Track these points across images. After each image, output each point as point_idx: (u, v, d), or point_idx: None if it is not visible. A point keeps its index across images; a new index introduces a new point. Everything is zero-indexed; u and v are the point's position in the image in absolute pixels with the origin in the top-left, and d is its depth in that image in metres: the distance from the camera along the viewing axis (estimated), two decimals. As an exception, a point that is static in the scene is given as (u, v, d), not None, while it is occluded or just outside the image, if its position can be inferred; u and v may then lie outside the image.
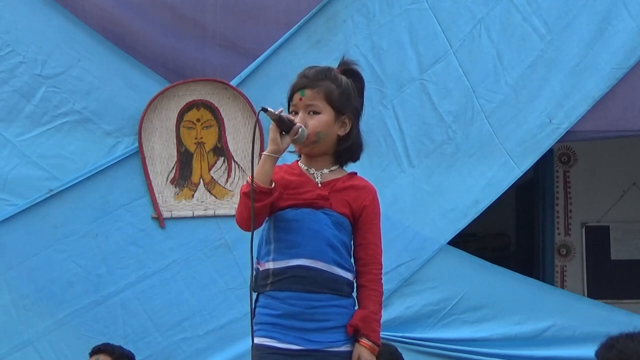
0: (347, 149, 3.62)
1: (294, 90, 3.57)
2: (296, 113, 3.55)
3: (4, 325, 5.39)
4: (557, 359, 5.52)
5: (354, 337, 3.54)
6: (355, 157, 3.67)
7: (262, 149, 5.45)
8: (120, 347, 5.19)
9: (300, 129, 3.47)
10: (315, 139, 3.54)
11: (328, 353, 3.49)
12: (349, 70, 3.66)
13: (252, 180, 3.42)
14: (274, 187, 3.44)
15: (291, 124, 3.45)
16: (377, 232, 3.61)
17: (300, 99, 3.54)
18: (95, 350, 5.14)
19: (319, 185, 3.57)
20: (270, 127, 3.44)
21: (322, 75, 3.57)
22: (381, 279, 3.60)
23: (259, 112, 3.44)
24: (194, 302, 5.48)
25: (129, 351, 5.22)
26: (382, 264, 3.60)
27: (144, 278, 5.46)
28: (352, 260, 3.59)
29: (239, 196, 3.57)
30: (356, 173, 3.65)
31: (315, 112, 3.54)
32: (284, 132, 3.45)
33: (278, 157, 3.47)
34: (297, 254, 3.50)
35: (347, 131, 3.61)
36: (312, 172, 3.59)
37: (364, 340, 3.51)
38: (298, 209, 3.51)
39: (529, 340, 5.54)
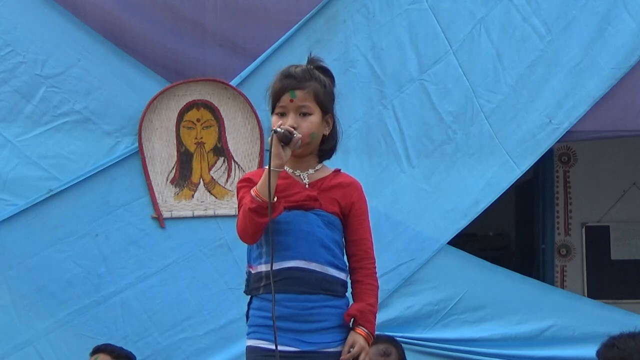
0: (332, 147, 3.63)
1: (282, 91, 3.52)
2: (283, 114, 3.53)
3: (4, 325, 5.39)
4: (557, 359, 5.51)
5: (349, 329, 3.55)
6: (332, 154, 3.67)
7: (262, 149, 5.47)
8: (121, 348, 5.20)
9: (300, 140, 3.47)
10: (309, 140, 3.53)
11: (324, 354, 3.51)
12: (320, 67, 3.62)
13: (270, 201, 3.41)
14: (277, 200, 3.44)
15: (291, 135, 3.44)
16: (367, 226, 3.63)
17: (292, 100, 3.51)
18: (95, 350, 5.16)
19: (307, 186, 3.56)
20: (273, 142, 3.41)
21: (308, 75, 3.54)
22: (375, 272, 3.62)
23: (272, 137, 3.40)
24: (194, 302, 5.47)
25: (130, 352, 5.22)
26: (374, 258, 3.62)
27: (144, 278, 5.45)
28: (345, 257, 3.60)
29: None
30: (340, 169, 3.66)
31: (307, 114, 3.52)
32: (282, 144, 3.43)
33: (281, 171, 3.46)
34: (291, 256, 3.51)
35: (330, 130, 3.61)
36: (297, 173, 3.59)
37: (360, 329, 3.52)
38: (289, 211, 3.50)
39: (529, 340, 5.54)
